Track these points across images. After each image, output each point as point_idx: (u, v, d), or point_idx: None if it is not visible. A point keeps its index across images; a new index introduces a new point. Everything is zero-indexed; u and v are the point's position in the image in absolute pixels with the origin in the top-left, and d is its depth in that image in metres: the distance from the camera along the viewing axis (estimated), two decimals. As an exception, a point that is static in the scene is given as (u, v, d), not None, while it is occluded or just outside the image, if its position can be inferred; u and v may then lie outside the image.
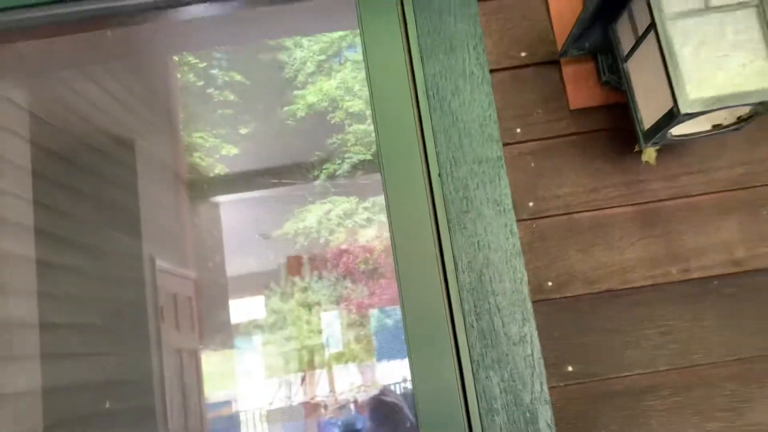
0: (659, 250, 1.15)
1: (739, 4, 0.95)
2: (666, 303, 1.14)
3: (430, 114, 1.19)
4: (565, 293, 1.14)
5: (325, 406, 5.45)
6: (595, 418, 1.11)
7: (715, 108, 0.93)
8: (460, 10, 1.21)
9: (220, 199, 4.81)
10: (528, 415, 1.09)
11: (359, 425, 4.65)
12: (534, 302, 1.14)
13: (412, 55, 1.21)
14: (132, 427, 3.04)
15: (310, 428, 5.19)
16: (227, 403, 5.49)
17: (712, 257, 1.15)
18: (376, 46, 1.22)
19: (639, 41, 1.02)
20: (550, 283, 1.15)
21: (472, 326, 1.12)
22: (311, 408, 5.36)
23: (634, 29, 1.03)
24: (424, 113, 1.19)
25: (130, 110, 3.46)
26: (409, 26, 1.22)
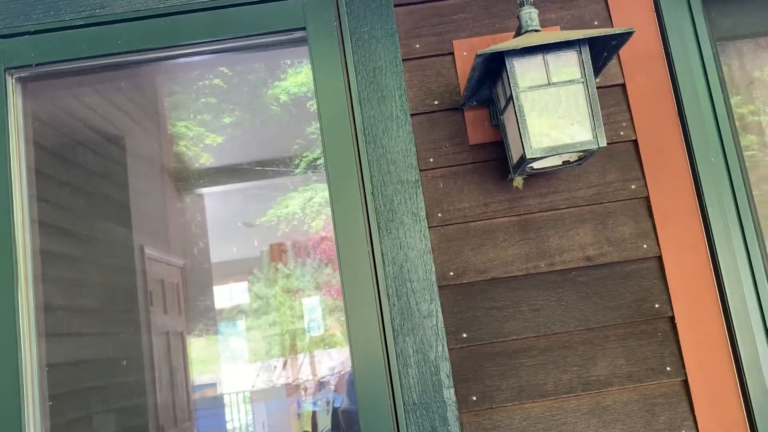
0: (532, 249, 1.66)
1: (571, 81, 1.45)
2: (536, 288, 1.65)
3: (366, 147, 1.68)
4: (462, 280, 1.65)
5: (305, 388, 5.95)
6: (481, 371, 1.62)
7: (551, 155, 1.43)
8: (389, 69, 1.70)
9: (205, 189, 5.27)
10: (433, 368, 1.60)
11: (337, 403, 5.15)
12: (439, 287, 1.65)
13: (353, 102, 1.71)
14: (124, 401, 3.53)
15: (291, 407, 5.69)
16: (211, 385, 5.99)
17: (571, 254, 1.66)
18: (326, 95, 1.71)
19: (507, 103, 1.51)
20: (451, 273, 1.65)
21: (394, 304, 1.62)
22: (292, 389, 5.87)
23: (504, 94, 1.52)
24: (362, 146, 1.69)
25: (121, 109, 3.91)
26: (351, 81, 1.71)
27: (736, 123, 1.84)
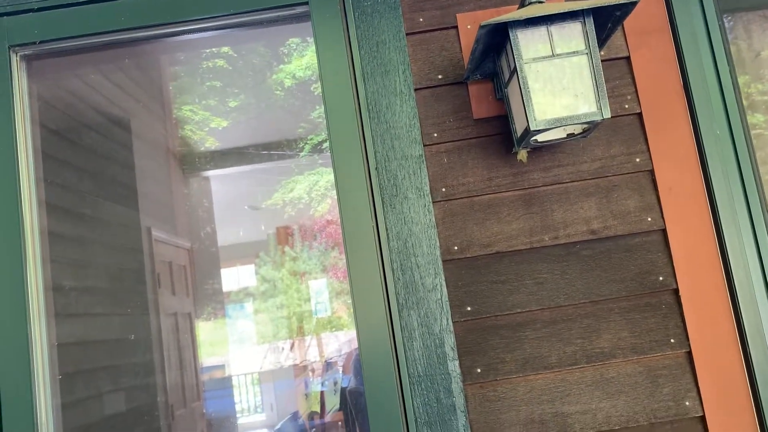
0: (536, 222, 1.66)
1: (575, 52, 1.43)
2: (540, 261, 1.65)
3: (370, 122, 1.67)
4: (466, 254, 1.65)
5: (313, 369, 5.99)
6: (485, 344, 1.62)
7: (555, 126, 1.42)
8: (393, 43, 1.69)
9: (211, 172, 5.27)
10: (437, 341, 1.60)
11: (344, 383, 5.19)
12: (444, 261, 1.64)
13: (357, 77, 1.70)
14: (134, 380, 3.57)
15: (299, 388, 5.73)
16: (220, 366, 6.04)
17: (575, 228, 1.66)
18: (330, 70, 1.70)
19: (511, 75, 1.50)
20: (456, 248, 1.65)
21: (399, 279, 1.62)
22: (300, 370, 5.91)
23: (508, 66, 1.51)
24: (365, 121, 1.68)
25: (126, 91, 3.91)
26: (354, 55, 1.70)
27: (744, 102, 1.82)
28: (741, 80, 1.96)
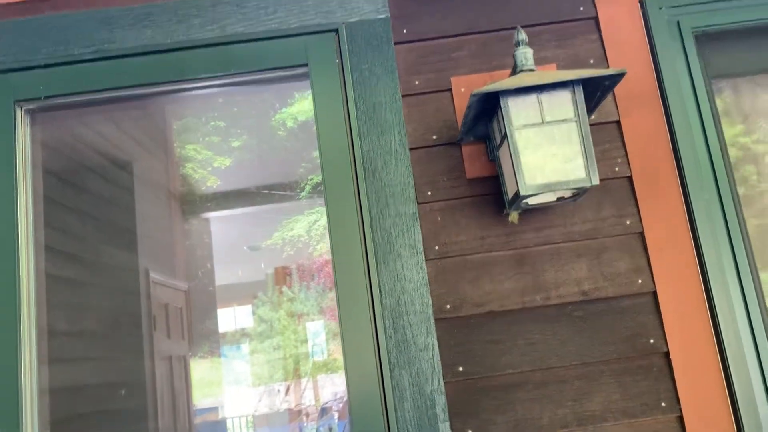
0: (528, 282, 1.68)
1: (565, 120, 1.48)
2: (532, 322, 1.67)
3: (365, 180, 1.72)
4: (459, 313, 1.67)
5: (308, 413, 5.93)
6: (477, 405, 1.63)
7: (545, 191, 1.46)
8: (389, 105, 1.74)
9: (212, 214, 5.32)
10: (428, 402, 1.61)
11: (340, 429, 5.14)
12: (436, 320, 1.66)
13: (353, 136, 1.74)
14: (126, 427, 3.54)
15: (293, 433, 5.66)
16: (214, 409, 5.99)
17: (567, 289, 1.68)
18: (327, 130, 1.75)
19: (502, 140, 1.54)
20: (448, 306, 1.67)
21: (391, 337, 1.64)
22: (295, 415, 5.86)
23: (500, 130, 1.56)
24: (361, 180, 1.72)
25: (130, 135, 3.97)
26: (351, 115, 1.75)
27: (740, 153, 1.86)
28: (735, 130, 2.01)
